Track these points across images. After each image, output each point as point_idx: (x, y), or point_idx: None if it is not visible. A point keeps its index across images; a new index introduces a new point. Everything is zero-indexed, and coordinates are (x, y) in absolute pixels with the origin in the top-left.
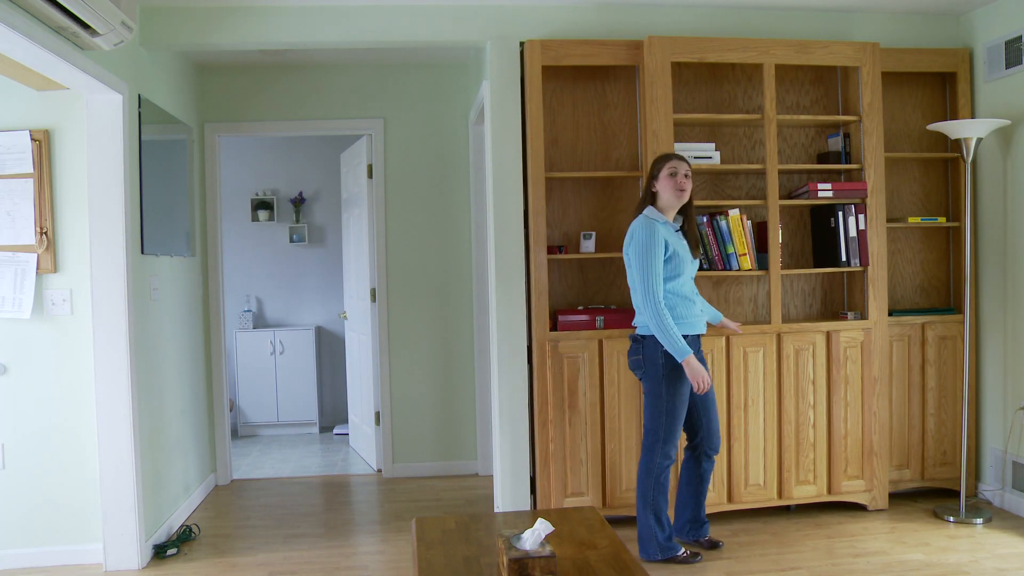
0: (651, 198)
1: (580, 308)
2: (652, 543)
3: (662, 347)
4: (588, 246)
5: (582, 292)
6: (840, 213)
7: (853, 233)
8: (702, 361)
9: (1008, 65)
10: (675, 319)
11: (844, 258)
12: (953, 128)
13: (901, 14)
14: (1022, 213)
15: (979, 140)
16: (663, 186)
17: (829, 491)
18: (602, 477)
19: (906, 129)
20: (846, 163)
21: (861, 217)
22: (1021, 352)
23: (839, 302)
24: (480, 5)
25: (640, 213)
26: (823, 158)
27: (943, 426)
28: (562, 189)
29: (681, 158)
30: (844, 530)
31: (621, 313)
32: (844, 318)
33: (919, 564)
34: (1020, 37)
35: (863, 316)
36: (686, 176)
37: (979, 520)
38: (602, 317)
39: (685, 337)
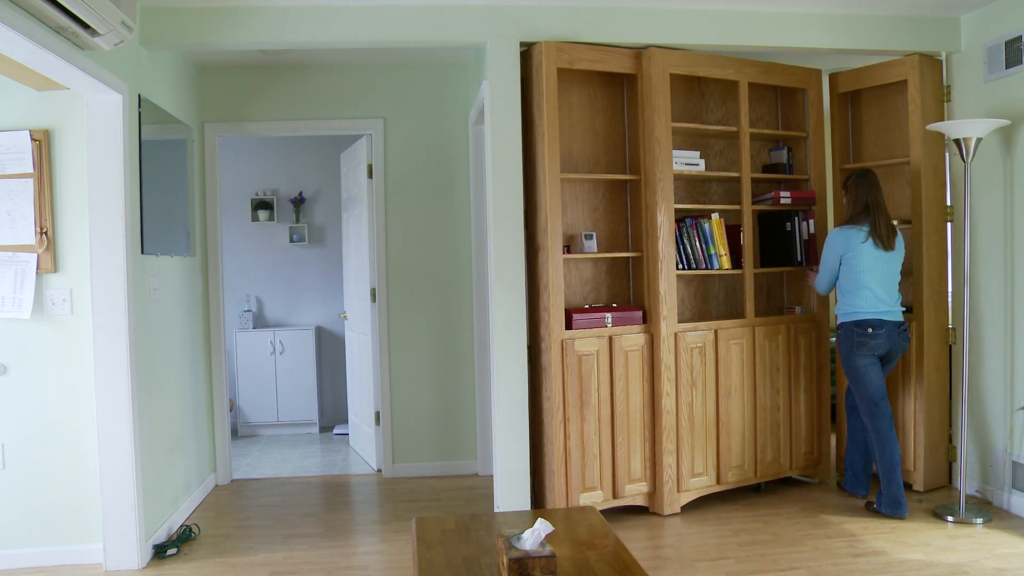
0: None
1: (587, 307)
2: None
3: None
4: (590, 246)
5: (581, 292)
6: (796, 218)
7: (806, 236)
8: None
9: (1008, 65)
10: None
11: (799, 259)
12: (953, 128)
13: (901, 15)
14: (1023, 213)
15: (979, 140)
16: None
17: (791, 467)
18: (612, 469)
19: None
20: (790, 174)
21: (811, 222)
22: (1021, 352)
23: (791, 298)
24: (480, 5)
25: None
26: (768, 168)
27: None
28: (562, 190)
29: None
30: (844, 530)
31: (622, 312)
32: (792, 312)
33: (919, 564)
34: (1020, 37)
35: (808, 310)
36: None
37: (979, 520)
38: (610, 315)
39: None
